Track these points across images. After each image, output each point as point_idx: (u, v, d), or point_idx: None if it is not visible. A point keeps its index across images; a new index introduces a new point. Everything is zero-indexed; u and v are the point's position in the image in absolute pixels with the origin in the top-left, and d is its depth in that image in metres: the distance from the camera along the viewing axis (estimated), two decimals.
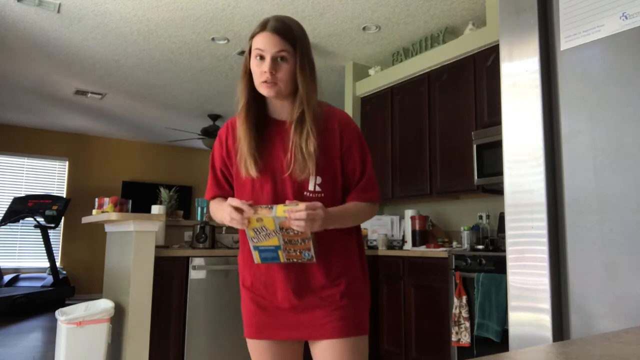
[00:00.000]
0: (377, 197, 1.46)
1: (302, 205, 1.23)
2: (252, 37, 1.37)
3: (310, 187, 1.37)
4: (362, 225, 4.51)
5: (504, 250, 1.50)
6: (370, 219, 1.49)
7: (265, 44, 1.32)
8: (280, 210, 1.25)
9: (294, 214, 1.22)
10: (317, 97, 1.39)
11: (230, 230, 3.83)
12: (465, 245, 3.55)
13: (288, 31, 1.34)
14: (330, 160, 1.39)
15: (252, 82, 1.38)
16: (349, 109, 4.99)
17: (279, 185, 1.37)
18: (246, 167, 1.36)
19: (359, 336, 1.38)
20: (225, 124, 1.51)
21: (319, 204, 1.26)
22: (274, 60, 1.32)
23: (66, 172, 8.09)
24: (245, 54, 1.39)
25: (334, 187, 1.40)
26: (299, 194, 1.36)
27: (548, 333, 0.79)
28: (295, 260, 1.32)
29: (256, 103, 1.41)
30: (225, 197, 1.48)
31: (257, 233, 1.28)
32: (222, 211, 1.33)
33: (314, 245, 1.31)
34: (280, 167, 1.37)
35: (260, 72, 1.33)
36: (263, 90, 1.34)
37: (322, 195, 1.37)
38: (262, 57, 1.33)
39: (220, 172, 1.49)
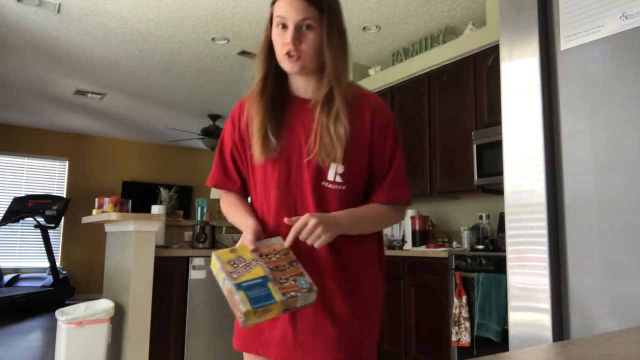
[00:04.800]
0: (406, 197, 1.24)
1: (299, 221, 1.09)
2: (273, 2, 1.17)
3: (330, 177, 1.17)
4: None
5: (504, 250, 1.50)
6: (396, 223, 1.28)
7: (287, 10, 1.12)
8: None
9: (303, 233, 1.07)
10: (349, 72, 1.20)
11: (231, 230, 3.83)
12: (465, 245, 3.55)
13: None
14: (357, 149, 1.18)
15: (273, 54, 1.19)
16: None
17: (294, 172, 1.18)
18: (257, 148, 1.18)
19: None
20: (239, 102, 1.30)
21: (314, 218, 1.08)
22: (297, 29, 1.12)
23: (66, 172, 8.09)
24: (266, 22, 1.20)
25: (357, 181, 1.20)
26: (317, 184, 1.17)
27: (548, 333, 0.79)
28: (293, 294, 1.05)
29: (276, 78, 1.21)
30: (235, 192, 1.31)
31: (235, 266, 1.07)
32: (240, 225, 1.21)
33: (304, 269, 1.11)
34: (299, 151, 1.18)
35: (282, 43, 1.14)
36: (286, 65, 1.16)
37: (343, 187, 1.17)
38: (284, 26, 1.13)
39: (230, 156, 1.28)
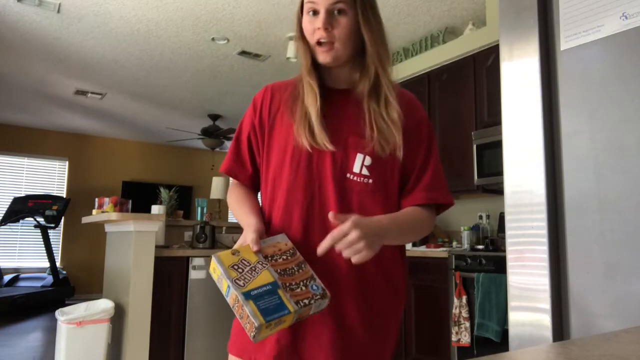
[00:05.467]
0: (450, 198, 1.14)
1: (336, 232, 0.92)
2: None
3: (356, 169, 1.07)
4: None
5: (504, 250, 1.50)
6: (427, 233, 1.13)
7: None
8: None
9: (340, 243, 0.92)
10: (391, 59, 1.12)
11: (231, 230, 3.83)
12: (465, 245, 3.55)
13: None
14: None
15: (308, 43, 1.12)
16: None
17: (316, 163, 1.08)
18: (304, 134, 1.07)
19: None
20: (263, 88, 1.22)
21: (348, 221, 0.92)
22: (329, 13, 1.05)
23: (66, 172, 8.09)
24: (297, 10, 1.13)
25: (386, 176, 1.09)
26: (340, 175, 1.07)
27: (548, 333, 0.79)
28: (306, 302, 0.94)
29: (315, 68, 1.13)
30: (245, 184, 1.22)
31: (239, 271, 0.95)
32: (243, 223, 1.11)
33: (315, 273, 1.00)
34: (345, 141, 1.09)
35: (312, 29, 1.07)
36: (319, 54, 1.08)
37: (370, 181, 1.07)
38: (315, 12, 1.06)
39: (246, 143, 1.19)
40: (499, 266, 3.02)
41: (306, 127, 1.08)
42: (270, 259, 0.99)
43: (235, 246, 1.03)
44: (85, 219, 3.57)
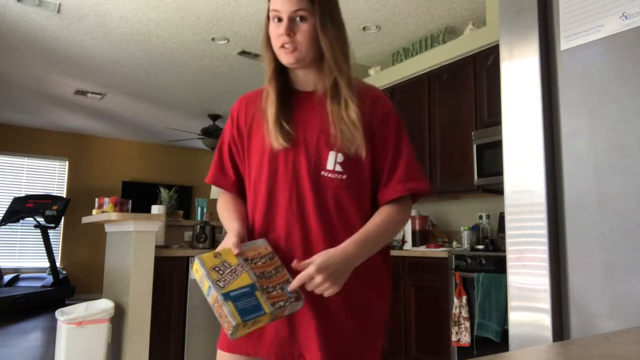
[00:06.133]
0: (425, 186, 1.18)
1: (309, 269, 1.02)
2: None
3: (330, 166, 1.15)
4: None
5: (504, 250, 1.50)
6: (404, 226, 1.21)
7: (281, 3, 1.15)
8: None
9: (308, 286, 1.02)
10: (350, 63, 1.19)
11: None
12: (465, 245, 3.55)
13: None
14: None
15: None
16: None
17: (291, 163, 1.16)
18: (274, 136, 1.16)
19: None
20: (238, 99, 1.32)
21: (317, 266, 1.02)
22: (291, 20, 1.14)
23: (66, 172, 8.09)
24: (265, 18, 1.23)
25: (357, 171, 1.16)
26: (315, 173, 1.14)
27: (548, 333, 0.79)
28: (282, 304, 1.02)
29: (281, 72, 1.22)
30: (230, 191, 1.29)
31: (220, 273, 1.02)
32: (226, 227, 1.19)
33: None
34: (297, 142, 1.17)
35: (277, 35, 1.16)
36: (282, 57, 1.17)
37: (344, 177, 1.14)
38: (279, 19, 1.16)
39: (228, 153, 1.28)
40: (499, 266, 3.02)
41: (275, 129, 1.16)
42: (250, 261, 1.06)
43: (218, 249, 1.09)
44: (85, 219, 3.57)
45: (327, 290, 1.02)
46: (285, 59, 1.17)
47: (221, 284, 1.00)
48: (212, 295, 0.99)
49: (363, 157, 1.15)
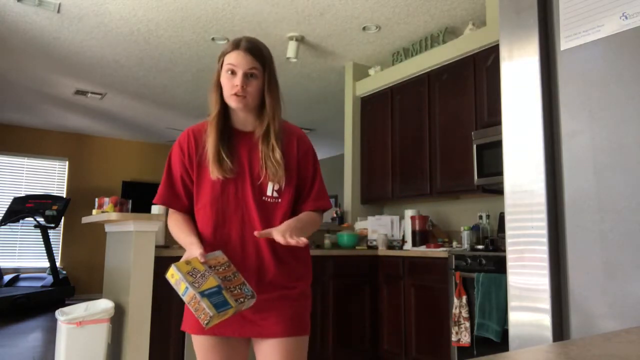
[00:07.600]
0: (329, 204, 1.62)
1: (280, 228, 1.38)
2: (224, 54, 1.49)
3: (269, 193, 1.50)
4: (362, 225, 4.51)
5: (504, 250, 1.50)
6: (318, 226, 1.59)
7: (238, 60, 1.45)
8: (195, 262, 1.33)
9: (286, 236, 1.34)
10: (281, 114, 1.53)
11: None
12: (465, 245, 3.55)
13: (259, 52, 1.48)
14: (289, 170, 1.53)
15: (222, 94, 1.50)
16: (348, 108, 4.99)
17: (240, 190, 1.49)
18: (215, 168, 1.46)
19: (305, 336, 1.52)
20: (185, 131, 1.60)
21: (282, 226, 1.39)
22: (245, 75, 1.45)
23: (66, 172, 8.10)
24: (217, 69, 1.52)
25: (289, 195, 1.53)
26: (258, 198, 1.49)
27: (548, 333, 0.79)
28: (242, 300, 1.32)
29: (222, 115, 1.53)
30: (181, 212, 1.55)
31: (194, 277, 1.28)
32: (184, 242, 1.46)
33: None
34: (243, 173, 1.50)
35: (231, 85, 1.45)
36: (232, 102, 1.46)
37: (279, 200, 1.51)
38: (233, 72, 1.45)
39: (179, 178, 1.55)
40: (499, 266, 3.02)
41: (216, 162, 1.47)
42: (213, 268, 1.33)
43: (183, 258, 1.34)
44: (85, 219, 3.57)
45: (293, 235, 1.34)
46: (235, 104, 1.46)
47: (196, 285, 1.25)
48: (189, 293, 1.25)
49: (283, 186, 1.51)
